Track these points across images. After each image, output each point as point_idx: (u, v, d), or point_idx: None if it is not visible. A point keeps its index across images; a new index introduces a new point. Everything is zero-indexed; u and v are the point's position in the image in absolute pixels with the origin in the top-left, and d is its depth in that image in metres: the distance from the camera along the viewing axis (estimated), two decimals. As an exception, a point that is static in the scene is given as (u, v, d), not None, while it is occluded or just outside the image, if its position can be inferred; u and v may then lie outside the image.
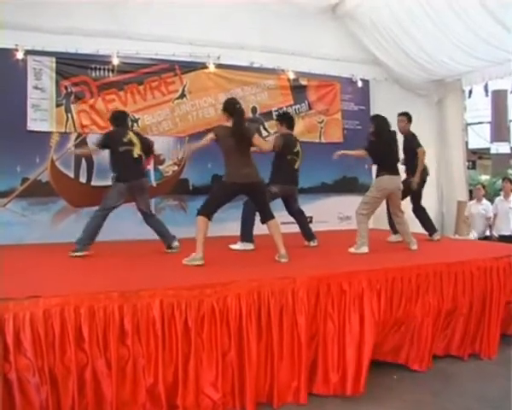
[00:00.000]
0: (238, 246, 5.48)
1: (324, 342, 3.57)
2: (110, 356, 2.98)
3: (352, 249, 5.11)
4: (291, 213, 5.80)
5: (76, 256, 4.91)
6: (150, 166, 6.82)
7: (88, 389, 2.94)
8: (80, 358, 2.93)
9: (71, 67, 6.45)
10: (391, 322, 3.87)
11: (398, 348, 3.97)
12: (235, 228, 5.65)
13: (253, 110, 7.37)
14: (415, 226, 6.16)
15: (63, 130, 6.42)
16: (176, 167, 6.95)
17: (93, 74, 6.57)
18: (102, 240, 5.38)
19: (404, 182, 5.70)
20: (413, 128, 6.17)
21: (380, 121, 5.40)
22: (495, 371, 3.99)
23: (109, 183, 6.18)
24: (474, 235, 8.06)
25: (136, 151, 5.25)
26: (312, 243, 5.74)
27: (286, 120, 5.81)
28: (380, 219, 6.43)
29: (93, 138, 6.07)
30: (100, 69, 6.59)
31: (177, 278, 3.73)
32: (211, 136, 4.47)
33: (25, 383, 2.86)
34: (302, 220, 5.87)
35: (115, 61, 6.58)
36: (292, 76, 7.61)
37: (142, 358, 3.06)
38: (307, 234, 5.81)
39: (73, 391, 2.89)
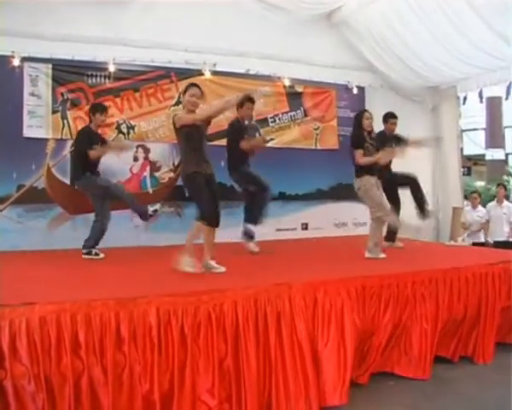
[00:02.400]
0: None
1: (323, 349, 3.58)
2: (106, 363, 2.96)
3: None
4: None
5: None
6: (146, 173, 6.83)
7: (84, 397, 2.91)
8: (76, 365, 2.92)
9: (67, 73, 6.45)
10: (387, 329, 3.88)
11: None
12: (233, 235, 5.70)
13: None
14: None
15: (59, 136, 6.40)
16: (172, 174, 6.94)
17: (89, 81, 6.57)
18: (98, 247, 5.40)
19: None
20: (408, 134, 6.22)
21: None
22: (491, 378, 4.00)
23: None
24: (467, 241, 8.08)
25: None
26: None
27: None
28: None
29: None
30: (96, 76, 6.59)
31: (174, 285, 3.73)
32: None
33: (20, 390, 2.83)
34: None
35: (111, 68, 6.59)
36: (287, 83, 7.64)
37: (138, 365, 3.05)
38: None
39: (70, 399, 2.87)
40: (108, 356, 2.97)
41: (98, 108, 5.56)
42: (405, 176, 6.18)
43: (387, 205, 5.30)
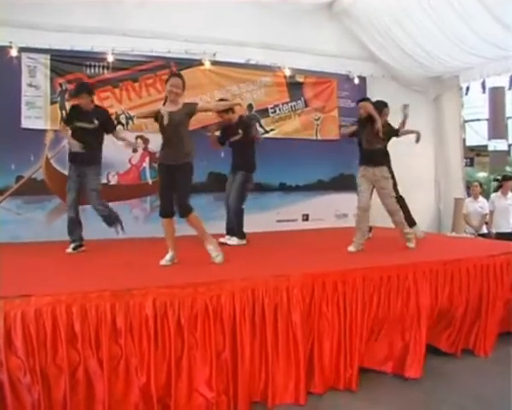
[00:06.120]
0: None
1: (319, 341, 3.55)
2: (102, 355, 2.95)
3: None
4: None
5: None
6: (145, 164, 6.79)
7: (80, 389, 2.91)
8: (72, 357, 2.91)
9: (65, 64, 6.40)
10: (387, 320, 3.85)
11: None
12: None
13: (249, 107, 7.33)
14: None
15: (58, 127, 6.36)
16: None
17: (88, 71, 6.51)
18: (94, 238, 5.37)
19: None
20: (410, 124, 6.14)
21: None
22: (491, 370, 3.97)
23: (104, 181, 6.16)
24: (469, 232, 8.02)
25: None
26: None
27: None
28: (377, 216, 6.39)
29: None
30: (95, 66, 6.54)
31: (170, 276, 3.71)
32: None
33: (16, 383, 2.83)
34: None
35: (110, 58, 6.53)
36: (288, 73, 7.58)
37: (134, 357, 3.03)
38: None
39: (65, 391, 2.86)
40: (104, 348, 2.95)
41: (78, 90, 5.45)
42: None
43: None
